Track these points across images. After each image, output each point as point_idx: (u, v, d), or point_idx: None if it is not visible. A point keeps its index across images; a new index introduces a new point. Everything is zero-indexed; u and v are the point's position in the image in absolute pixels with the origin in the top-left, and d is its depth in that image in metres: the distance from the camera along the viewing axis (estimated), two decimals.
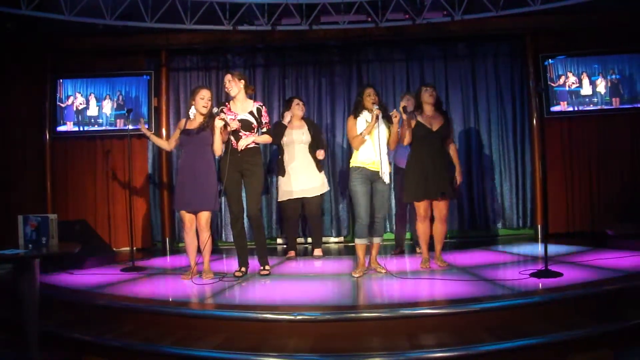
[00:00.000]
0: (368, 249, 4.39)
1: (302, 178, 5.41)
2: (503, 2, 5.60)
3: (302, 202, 5.50)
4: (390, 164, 4.53)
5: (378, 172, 4.22)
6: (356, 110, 4.35)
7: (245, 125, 4.34)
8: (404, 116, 4.35)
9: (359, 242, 4.27)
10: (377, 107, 4.22)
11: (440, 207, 4.52)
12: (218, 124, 4.22)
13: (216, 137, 4.26)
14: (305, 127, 5.49)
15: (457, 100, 6.71)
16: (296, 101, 5.54)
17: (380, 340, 3.06)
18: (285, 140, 5.42)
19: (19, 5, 5.30)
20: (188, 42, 6.58)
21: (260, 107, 4.43)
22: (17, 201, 6.47)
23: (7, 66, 6.56)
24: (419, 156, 4.49)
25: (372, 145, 4.25)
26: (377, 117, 4.19)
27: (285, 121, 5.38)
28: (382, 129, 4.26)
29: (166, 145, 4.66)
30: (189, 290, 4.03)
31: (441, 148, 4.50)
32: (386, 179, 4.23)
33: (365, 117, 4.30)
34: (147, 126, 4.51)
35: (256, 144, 4.41)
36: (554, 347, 2.97)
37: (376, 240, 4.41)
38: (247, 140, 4.33)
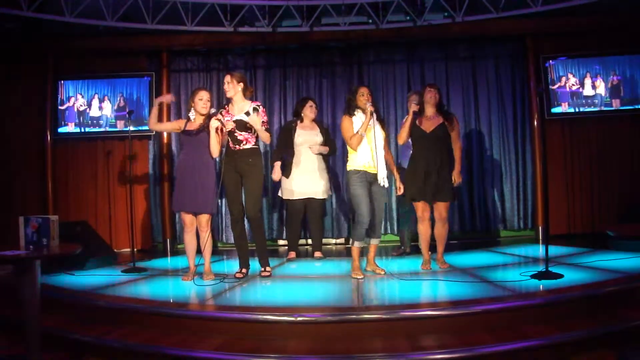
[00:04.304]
0: (362, 251, 4.38)
1: (308, 180, 5.40)
2: (504, 3, 5.61)
3: (305, 203, 5.51)
4: (396, 165, 4.52)
5: (376, 174, 4.22)
6: (349, 109, 4.31)
7: (241, 125, 4.33)
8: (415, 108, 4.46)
9: (358, 246, 4.26)
10: (371, 104, 4.21)
11: (440, 209, 4.52)
12: (213, 123, 4.22)
13: (212, 138, 4.26)
14: (318, 130, 5.49)
15: (458, 101, 6.70)
16: (310, 103, 5.52)
17: (380, 342, 3.06)
18: (299, 140, 5.40)
19: (20, 6, 5.30)
20: (189, 43, 6.58)
21: (258, 107, 4.40)
22: (18, 202, 6.48)
23: (8, 67, 6.57)
24: (415, 157, 4.53)
25: (370, 149, 4.23)
26: (371, 114, 4.17)
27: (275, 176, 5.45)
28: (378, 133, 4.24)
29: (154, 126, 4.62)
30: (189, 291, 4.03)
31: (439, 150, 4.47)
32: (382, 183, 4.19)
33: (360, 117, 4.26)
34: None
35: (254, 144, 4.41)
36: (555, 348, 2.97)
37: (374, 242, 4.41)
38: (255, 119, 4.24)
